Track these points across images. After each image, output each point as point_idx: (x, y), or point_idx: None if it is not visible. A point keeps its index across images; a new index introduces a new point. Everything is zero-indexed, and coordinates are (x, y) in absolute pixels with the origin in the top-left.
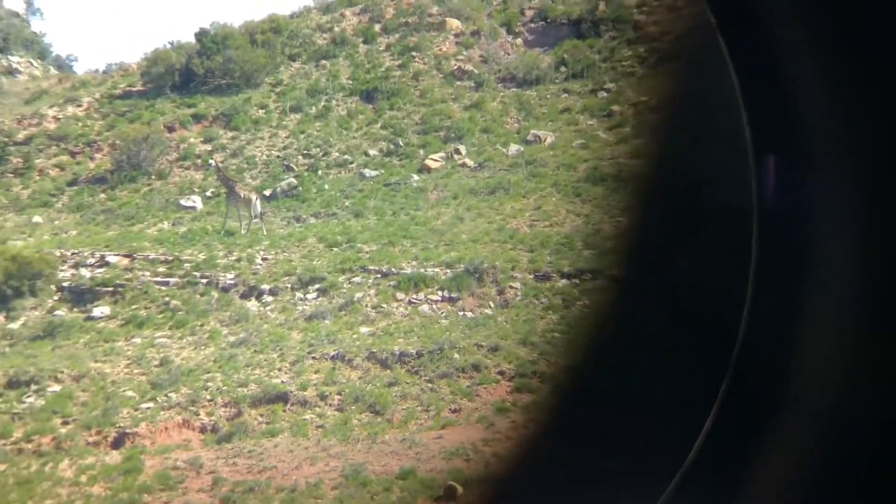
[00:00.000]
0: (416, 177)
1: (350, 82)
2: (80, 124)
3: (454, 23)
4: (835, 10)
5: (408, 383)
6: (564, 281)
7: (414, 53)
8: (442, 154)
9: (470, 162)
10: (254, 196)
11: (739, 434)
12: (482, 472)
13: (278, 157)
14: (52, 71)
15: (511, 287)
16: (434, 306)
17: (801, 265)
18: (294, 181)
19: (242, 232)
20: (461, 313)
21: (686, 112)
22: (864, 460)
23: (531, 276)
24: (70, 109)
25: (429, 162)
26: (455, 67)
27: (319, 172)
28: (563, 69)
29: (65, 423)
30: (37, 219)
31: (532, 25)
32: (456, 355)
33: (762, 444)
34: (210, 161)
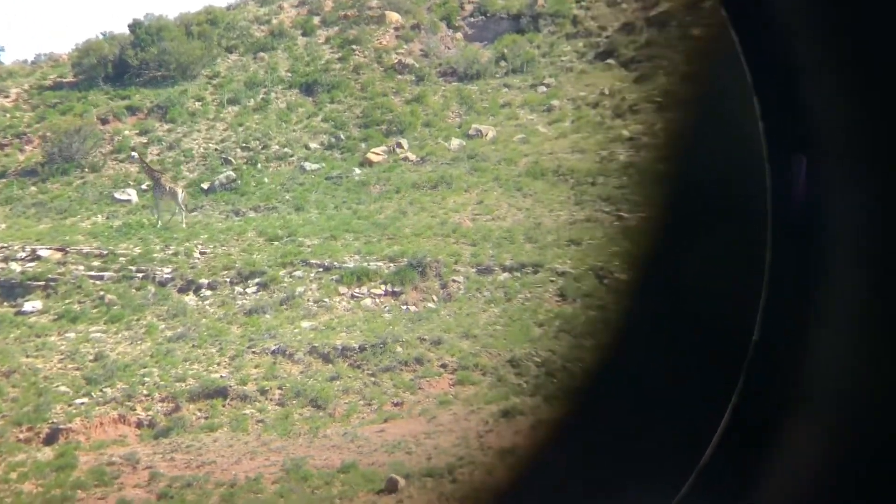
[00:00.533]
0: (358, 170)
1: (289, 75)
2: (8, 116)
3: (394, 16)
4: (842, 11)
5: (350, 377)
6: (506, 274)
7: (354, 46)
8: (384, 148)
9: (412, 156)
10: (178, 188)
11: (752, 436)
12: (424, 465)
13: (216, 149)
14: None
15: (454, 281)
16: (377, 300)
17: (814, 267)
18: (232, 174)
19: (159, 224)
20: (404, 307)
21: (702, 114)
22: (876, 462)
23: (474, 270)
24: None
25: (371, 155)
26: (396, 61)
27: (259, 166)
28: (503, 63)
29: None
30: None
31: (472, 20)
32: (399, 349)
33: (774, 446)
34: (132, 153)
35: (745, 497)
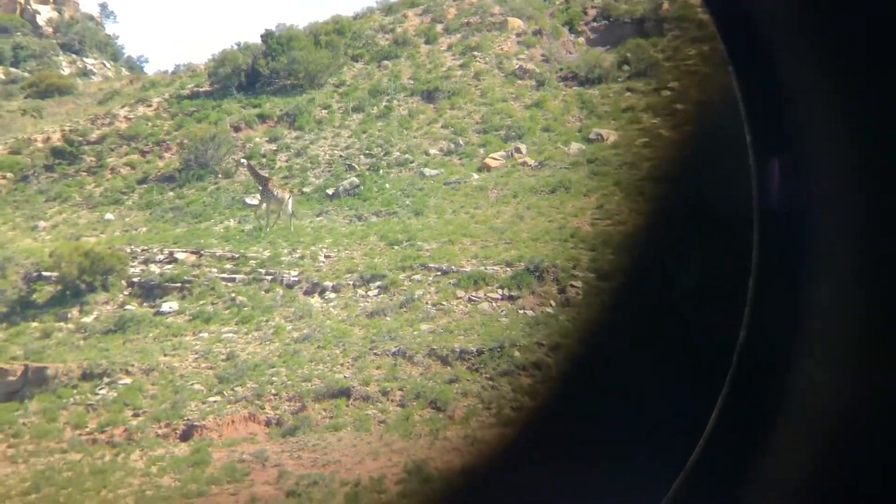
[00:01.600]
0: (476, 175)
1: (411, 82)
2: (149, 124)
3: (516, 22)
4: (832, 13)
5: (468, 380)
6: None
7: (475, 53)
8: (502, 153)
9: (530, 160)
10: (287, 194)
11: (740, 437)
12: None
13: (341, 156)
14: (124, 72)
15: (572, 286)
16: (494, 304)
17: (801, 269)
18: (356, 180)
19: (267, 230)
20: (521, 311)
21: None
22: (866, 464)
23: (593, 275)
24: (140, 109)
25: (489, 161)
26: (516, 66)
27: (381, 172)
28: (625, 68)
29: (135, 416)
30: (108, 216)
31: (594, 24)
32: (516, 353)
33: (763, 446)
34: (242, 161)
35: (734, 498)
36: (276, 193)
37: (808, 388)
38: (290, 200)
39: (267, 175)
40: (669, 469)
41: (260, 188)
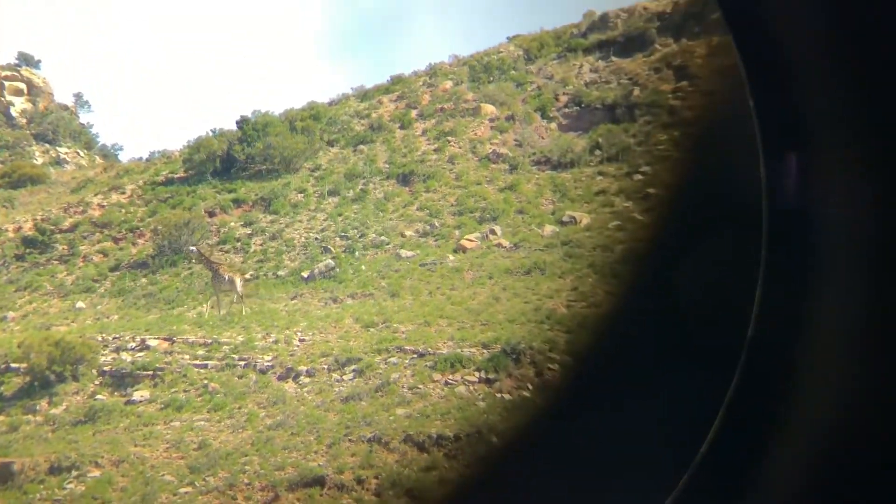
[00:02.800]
0: (451, 257)
1: (387, 166)
2: (123, 211)
3: (489, 108)
4: (841, 14)
5: (446, 467)
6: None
7: (449, 138)
8: (477, 234)
9: (505, 242)
10: (237, 278)
11: (746, 436)
12: None
13: (316, 238)
14: (98, 160)
15: (549, 368)
16: (471, 387)
17: (809, 264)
18: (332, 262)
19: (222, 313)
20: (499, 395)
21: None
22: (872, 460)
23: (569, 358)
24: (114, 197)
25: (464, 242)
26: (490, 151)
27: (356, 253)
28: (597, 152)
29: None
30: (80, 304)
31: (566, 110)
32: (494, 439)
33: (766, 454)
34: (191, 248)
35: (740, 497)
36: (226, 277)
37: (812, 397)
38: (240, 283)
39: (218, 262)
40: (670, 479)
41: (210, 273)
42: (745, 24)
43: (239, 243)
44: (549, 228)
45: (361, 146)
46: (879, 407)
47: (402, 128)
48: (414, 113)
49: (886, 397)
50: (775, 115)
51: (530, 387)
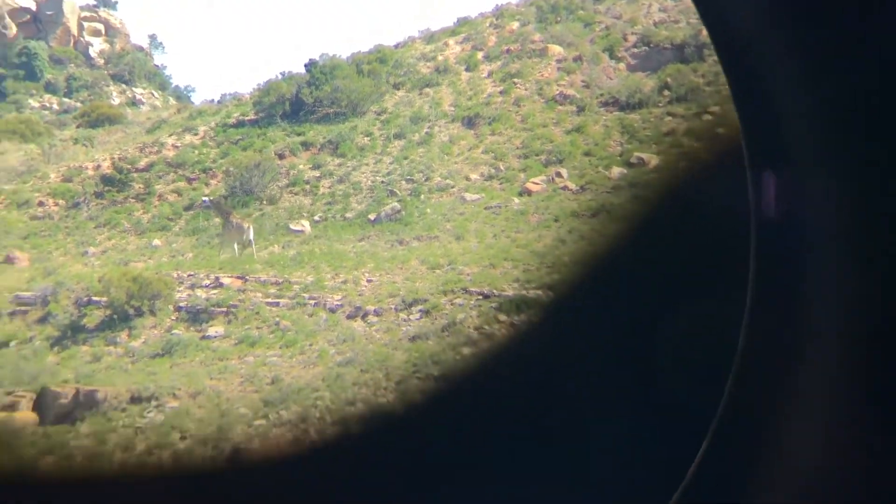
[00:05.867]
0: (517, 200)
1: (452, 109)
2: (196, 152)
3: (556, 49)
4: (825, 37)
5: None
6: None
7: (515, 79)
8: (543, 177)
9: (571, 185)
10: (245, 224)
11: (742, 439)
12: None
13: (382, 182)
14: (172, 101)
15: None
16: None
17: (795, 275)
18: (397, 205)
19: (237, 255)
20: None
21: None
22: (866, 463)
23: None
24: (187, 138)
25: (530, 185)
26: (556, 92)
27: (422, 197)
28: (666, 92)
29: (183, 438)
30: (156, 242)
31: (635, 50)
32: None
33: (765, 448)
34: (203, 199)
35: (737, 499)
36: (235, 224)
37: (809, 390)
38: (250, 229)
39: (229, 209)
40: (675, 471)
41: (223, 221)
42: (731, 48)
43: (308, 185)
44: (616, 170)
45: (427, 89)
46: (872, 412)
47: (467, 70)
48: (480, 55)
49: (878, 401)
50: (759, 133)
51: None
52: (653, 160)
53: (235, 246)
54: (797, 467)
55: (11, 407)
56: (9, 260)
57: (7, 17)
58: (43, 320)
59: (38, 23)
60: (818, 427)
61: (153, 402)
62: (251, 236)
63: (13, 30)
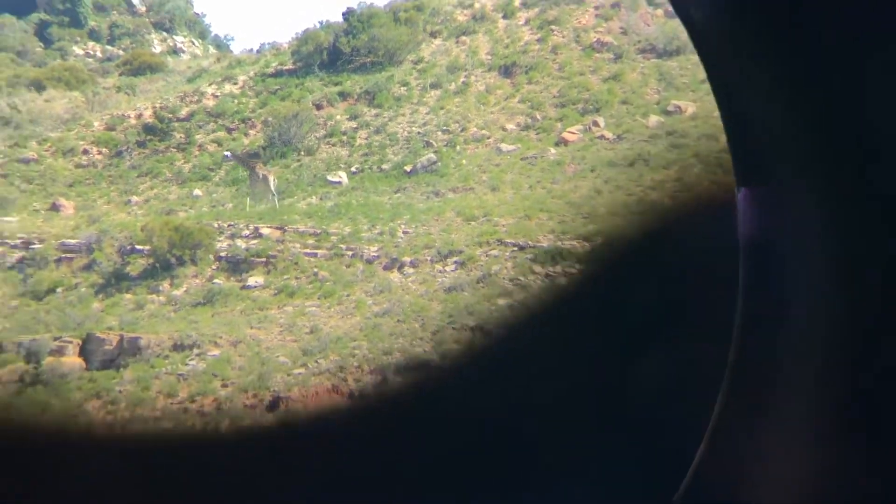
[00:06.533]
0: (553, 150)
1: (489, 57)
2: (235, 102)
3: None
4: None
5: None
6: None
7: (553, 27)
8: (580, 127)
9: (608, 134)
10: (270, 175)
11: (740, 440)
12: None
13: (419, 133)
14: (212, 50)
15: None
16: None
17: (775, 283)
18: (433, 157)
19: (265, 206)
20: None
21: None
22: (858, 461)
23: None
24: (227, 87)
25: (566, 135)
26: (594, 39)
27: (458, 148)
28: None
29: (224, 386)
30: (197, 192)
31: None
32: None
33: (761, 449)
34: (226, 153)
35: (737, 498)
36: (261, 175)
37: (798, 392)
38: (273, 179)
39: (254, 161)
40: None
41: (248, 172)
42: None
43: (345, 136)
44: (653, 119)
45: (464, 37)
46: (855, 408)
47: (504, 17)
48: (517, 2)
49: (862, 397)
50: (744, 154)
51: None
52: (689, 108)
53: (264, 196)
54: (783, 472)
55: (59, 352)
56: (55, 207)
57: None
58: (88, 268)
59: None
60: (806, 431)
61: (195, 350)
62: (273, 186)
63: None
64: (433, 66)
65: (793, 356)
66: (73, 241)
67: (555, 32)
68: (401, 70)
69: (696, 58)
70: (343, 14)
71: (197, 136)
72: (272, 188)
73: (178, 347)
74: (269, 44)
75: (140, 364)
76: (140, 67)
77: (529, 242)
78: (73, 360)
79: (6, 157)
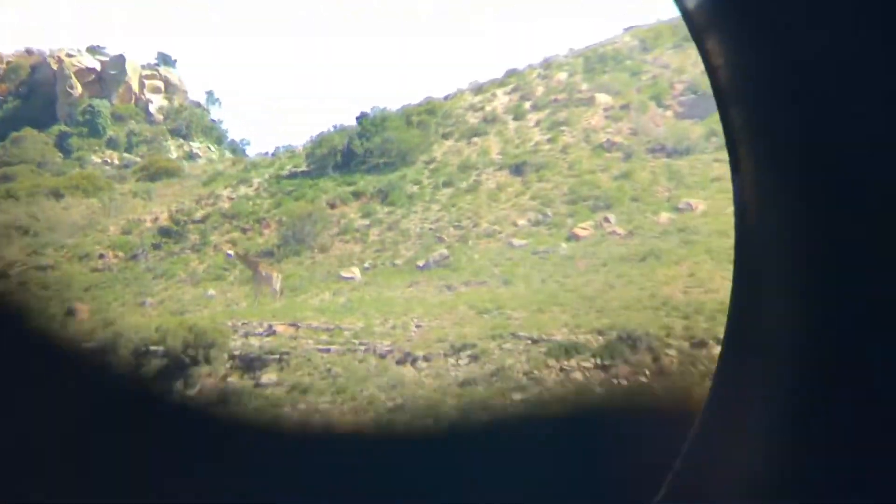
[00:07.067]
0: (564, 245)
1: (500, 157)
2: (250, 203)
3: (604, 98)
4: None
5: None
6: (720, 347)
7: (563, 127)
8: (591, 222)
9: (620, 230)
10: (274, 274)
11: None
12: None
13: (431, 229)
14: (227, 154)
15: (666, 354)
16: (587, 373)
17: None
18: (445, 252)
19: (257, 303)
20: (615, 381)
21: None
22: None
23: (687, 344)
24: (242, 189)
25: (578, 230)
26: (604, 140)
27: (470, 243)
28: (713, 139)
29: None
30: (211, 292)
31: (682, 98)
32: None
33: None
34: (228, 253)
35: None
36: (264, 274)
37: (774, 387)
38: (277, 279)
39: (256, 260)
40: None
41: (252, 272)
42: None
43: (358, 234)
44: (664, 216)
45: (475, 138)
46: (826, 405)
47: (515, 119)
48: (528, 104)
49: (835, 393)
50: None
51: (647, 373)
52: (700, 205)
53: (262, 295)
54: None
55: None
56: (70, 312)
57: (73, 76)
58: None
59: (102, 82)
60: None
61: None
62: (278, 286)
63: (79, 89)
64: (445, 165)
65: (773, 352)
66: (88, 345)
67: (565, 133)
68: (413, 169)
69: (705, 157)
70: (357, 118)
71: (212, 237)
72: (275, 287)
73: None
74: (284, 147)
75: None
76: (157, 173)
77: (543, 336)
78: None
79: (24, 265)
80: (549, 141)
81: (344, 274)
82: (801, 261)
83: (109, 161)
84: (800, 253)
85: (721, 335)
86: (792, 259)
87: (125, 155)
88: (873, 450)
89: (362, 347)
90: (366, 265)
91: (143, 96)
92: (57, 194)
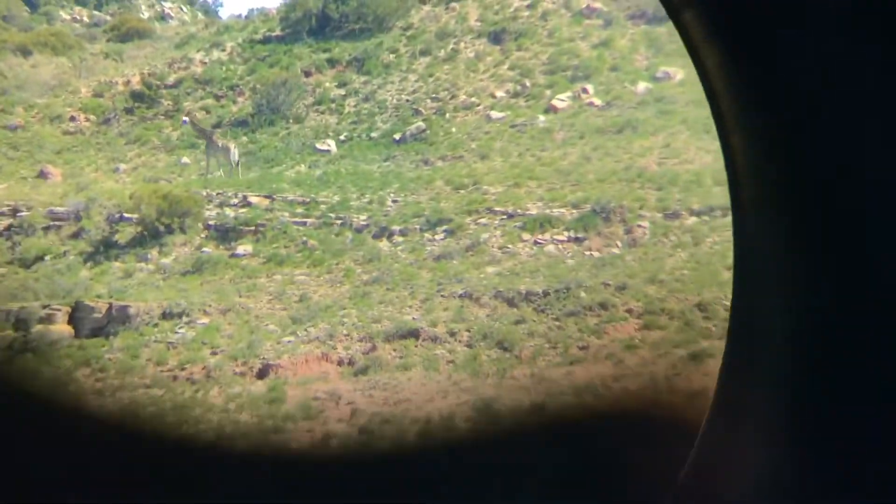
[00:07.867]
0: (542, 118)
1: (479, 24)
2: (224, 68)
3: None
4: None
5: (535, 321)
6: (694, 218)
7: None
8: (569, 94)
9: (597, 101)
10: (231, 145)
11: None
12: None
13: (407, 101)
14: (199, 16)
15: (639, 226)
16: (560, 246)
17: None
18: (422, 125)
19: (225, 177)
20: (587, 253)
21: None
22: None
23: (660, 215)
24: (215, 54)
25: (555, 102)
26: (584, 6)
27: (447, 116)
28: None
29: (213, 354)
30: (185, 160)
31: None
32: (583, 294)
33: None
34: (184, 118)
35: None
36: (220, 145)
37: (764, 397)
38: (235, 150)
39: (210, 129)
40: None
41: (206, 141)
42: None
43: (333, 104)
44: (642, 85)
45: (453, 3)
46: (822, 413)
47: None
48: None
49: (829, 406)
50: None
51: (619, 244)
52: (678, 74)
53: (221, 167)
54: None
55: (48, 319)
56: (42, 175)
57: None
58: (76, 235)
59: None
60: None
61: (184, 318)
62: (236, 158)
63: None
64: (422, 32)
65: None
66: (61, 209)
67: None
68: (390, 37)
69: None
70: None
71: (185, 104)
72: (232, 159)
73: (167, 316)
74: (257, 9)
75: (129, 332)
76: (128, 33)
77: (518, 210)
78: (62, 327)
79: None
80: (529, 7)
81: (319, 146)
82: (801, 261)
83: (79, 18)
84: (800, 253)
85: (694, 206)
86: (792, 259)
87: (95, 13)
88: (873, 450)
89: (339, 221)
90: (341, 137)
91: None
92: (25, 51)
